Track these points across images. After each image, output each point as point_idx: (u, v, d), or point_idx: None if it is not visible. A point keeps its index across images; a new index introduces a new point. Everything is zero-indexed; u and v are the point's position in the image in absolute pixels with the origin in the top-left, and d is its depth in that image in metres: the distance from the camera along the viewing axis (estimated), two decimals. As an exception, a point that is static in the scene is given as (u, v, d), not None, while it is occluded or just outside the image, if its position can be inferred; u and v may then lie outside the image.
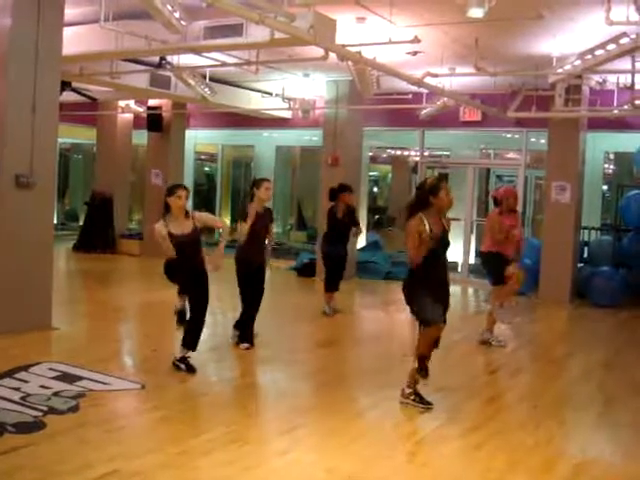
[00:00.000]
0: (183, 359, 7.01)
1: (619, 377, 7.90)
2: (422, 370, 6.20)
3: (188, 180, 18.86)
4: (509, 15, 8.08)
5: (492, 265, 8.73)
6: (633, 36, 7.85)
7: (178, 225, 6.88)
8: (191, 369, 6.98)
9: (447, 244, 6.18)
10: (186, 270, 7.01)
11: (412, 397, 6.22)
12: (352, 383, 7.35)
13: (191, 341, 7.04)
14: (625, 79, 11.23)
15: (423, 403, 6.19)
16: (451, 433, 5.79)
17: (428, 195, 5.97)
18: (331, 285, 10.48)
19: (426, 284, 6.01)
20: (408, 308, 6.28)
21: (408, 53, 10.45)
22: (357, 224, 10.57)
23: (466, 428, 5.82)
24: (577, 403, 6.93)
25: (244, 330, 8.22)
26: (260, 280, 8.33)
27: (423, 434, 5.68)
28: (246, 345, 8.12)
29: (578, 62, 9.10)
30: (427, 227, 5.88)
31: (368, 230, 16.21)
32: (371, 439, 5.51)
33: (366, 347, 9.17)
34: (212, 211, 19.92)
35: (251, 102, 15.73)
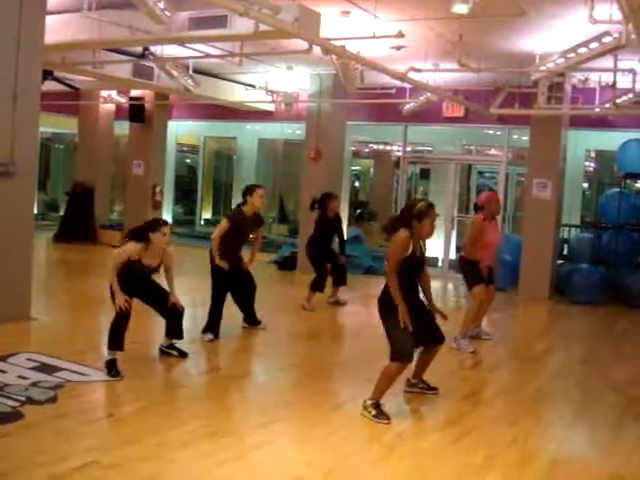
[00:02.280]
0: (110, 362, 6.60)
1: (597, 373, 7.96)
2: (382, 414, 5.81)
3: (169, 171, 18.83)
4: (493, 12, 8.11)
5: (468, 270, 8.68)
6: (616, 35, 7.90)
7: (150, 256, 6.72)
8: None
9: (421, 266, 6.05)
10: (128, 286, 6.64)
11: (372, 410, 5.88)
12: (331, 376, 7.36)
13: (112, 341, 6.66)
14: (607, 77, 11.30)
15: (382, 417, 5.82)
16: (429, 427, 5.83)
17: (412, 218, 5.77)
18: (319, 286, 10.57)
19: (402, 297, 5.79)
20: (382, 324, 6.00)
21: (392, 48, 10.47)
22: (341, 236, 10.82)
23: (444, 423, 5.86)
24: (555, 399, 6.98)
25: (211, 321, 8.19)
26: (244, 278, 8.44)
27: (401, 428, 5.69)
28: (210, 337, 8.10)
29: (561, 60, 9.15)
30: (410, 249, 5.76)
31: (349, 224, 16.23)
32: (349, 433, 5.52)
33: (346, 341, 9.20)
34: (193, 203, 19.90)
35: (234, 94, 15.69)
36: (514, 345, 9.49)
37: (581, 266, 12.60)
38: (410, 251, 5.76)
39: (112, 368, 6.50)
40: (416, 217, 5.75)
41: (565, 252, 13.71)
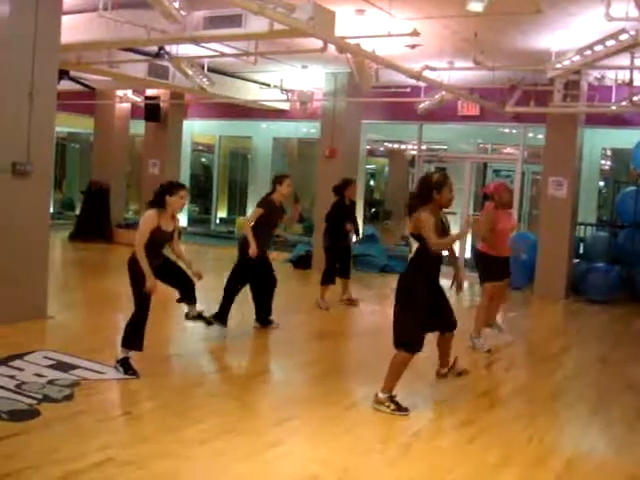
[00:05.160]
0: (123, 360, 6.55)
1: (613, 372, 7.93)
2: (397, 405, 5.93)
3: (185, 171, 18.88)
4: (508, 9, 8.07)
5: (483, 265, 8.64)
6: (632, 32, 7.87)
7: (166, 222, 6.61)
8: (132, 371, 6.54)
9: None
10: (151, 261, 6.52)
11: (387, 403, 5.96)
12: (347, 375, 7.36)
13: (130, 340, 6.56)
14: (623, 75, 11.24)
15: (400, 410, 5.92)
16: (445, 426, 5.82)
17: (432, 190, 5.88)
18: (329, 278, 10.52)
19: (423, 276, 5.89)
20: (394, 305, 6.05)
21: (407, 46, 10.43)
22: (354, 221, 10.79)
23: (460, 422, 5.84)
24: (571, 398, 6.96)
25: (222, 310, 8.29)
26: (267, 271, 8.57)
27: (417, 427, 5.69)
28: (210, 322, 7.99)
29: (577, 57, 9.11)
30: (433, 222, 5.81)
31: (365, 223, 16.21)
32: (365, 431, 5.52)
33: (361, 340, 9.19)
34: (209, 202, 19.96)
35: (249, 93, 15.72)
36: (530, 344, 9.46)
37: (597, 265, 12.54)
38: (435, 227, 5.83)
39: (128, 367, 6.49)
40: (435, 188, 5.87)
41: (581, 251, 13.63)
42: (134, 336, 6.52)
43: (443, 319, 6.15)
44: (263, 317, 8.74)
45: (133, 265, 6.50)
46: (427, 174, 6.32)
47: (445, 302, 6.18)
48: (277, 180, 8.55)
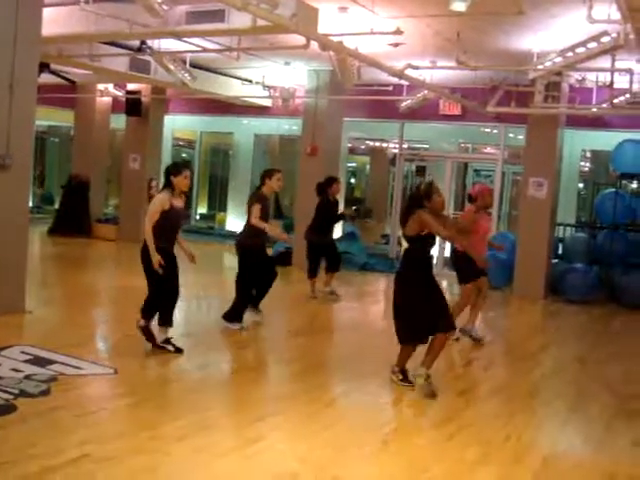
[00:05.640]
0: (167, 340, 7.16)
1: (591, 371, 7.99)
2: (407, 379, 6.45)
3: (165, 166, 18.74)
4: (491, 10, 8.10)
5: (461, 266, 8.70)
6: (614, 35, 7.92)
7: (177, 200, 7.12)
8: (178, 350, 7.15)
9: (434, 241, 6.52)
10: (168, 244, 7.07)
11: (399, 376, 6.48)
12: (326, 372, 7.36)
13: (169, 317, 7.18)
14: (604, 77, 11.33)
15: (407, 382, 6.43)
16: (424, 424, 5.83)
17: (423, 200, 6.31)
18: (314, 272, 10.88)
19: (420, 271, 6.31)
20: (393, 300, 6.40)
21: (390, 44, 10.45)
22: (341, 215, 11.35)
23: (439, 419, 5.86)
24: (549, 396, 7.00)
25: (239, 309, 8.48)
26: (269, 264, 8.93)
27: (396, 424, 5.70)
28: (240, 325, 8.41)
29: (559, 59, 9.17)
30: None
31: (345, 221, 16.19)
32: (344, 428, 5.52)
33: (340, 337, 9.20)
34: (189, 198, 19.87)
35: (231, 89, 15.67)
36: (508, 343, 9.51)
37: (576, 266, 12.62)
38: (426, 230, 6.25)
39: (173, 345, 7.08)
40: (425, 197, 6.32)
41: (560, 251, 13.71)
42: (168, 314, 7.14)
43: (437, 319, 6.31)
44: (255, 301, 8.88)
45: (145, 253, 6.96)
46: (415, 188, 6.79)
47: (442, 302, 6.43)
48: (267, 174, 8.67)
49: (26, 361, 6.47)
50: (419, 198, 6.35)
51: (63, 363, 6.50)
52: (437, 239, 6.52)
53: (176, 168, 7.16)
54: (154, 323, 7.19)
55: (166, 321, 7.17)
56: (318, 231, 10.82)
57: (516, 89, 12.30)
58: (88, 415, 5.37)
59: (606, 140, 13.24)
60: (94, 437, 4.89)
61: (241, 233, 8.73)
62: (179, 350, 7.13)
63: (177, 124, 19.15)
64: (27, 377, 6.01)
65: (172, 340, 7.19)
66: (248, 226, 8.45)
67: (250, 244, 8.48)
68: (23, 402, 5.41)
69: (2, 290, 8.14)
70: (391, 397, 6.28)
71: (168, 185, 7.06)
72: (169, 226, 7.02)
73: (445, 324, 6.36)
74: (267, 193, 8.65)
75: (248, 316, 8.64)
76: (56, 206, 19.00)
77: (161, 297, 7.13)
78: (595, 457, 5.39)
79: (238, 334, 8.36)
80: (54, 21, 9.52)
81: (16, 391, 5.64)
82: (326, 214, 10.84)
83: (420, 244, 6.34)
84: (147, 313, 7.16)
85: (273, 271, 8.91)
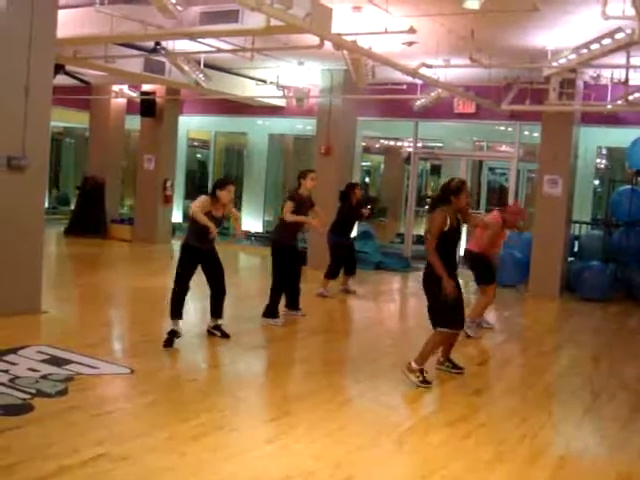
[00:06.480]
0: (216, 327, 7.91)
1: (607, 371, 7.95)
2: (425, 380, 6.56)
3: (180, 166, 18.84)
4: (505, 7, 8.08)
5: (482, 268, 8.91)
6: (628, 31, 7.85)
7: (216, 210, 7.56)
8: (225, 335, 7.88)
9: (459, 237, 6.95)
10: (198, 244, 7.60)
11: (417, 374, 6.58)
12: (341, 371, 7.36)
13: (219, 310, 7.88)
14: (619, 74, 11.26)
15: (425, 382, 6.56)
16: (439, 423, 5.82)
17: (450, 194, 6.62)
18: (334, 274, 11.15)
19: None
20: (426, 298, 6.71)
21: (404, 43, 10.44)
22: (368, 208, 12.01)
23: (454, 418, 5.84)
24: (564, 396, 6.98)
25: (274, 305, 8.92)
26: (297, 258, 9.33)
27: (410, 423, 5.70)
28: (280, 321, 8.88)
29: (573, 56, 9.10)
30: (448, 222, 6.52)
31: (360, 220, 16.20)
32: (359, 427, 5.51)
33: (355, 336, 9.21)
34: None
35: (245, 89, 15.68)
36: (524, 342, 9.47)
37: (592, 263, 12.55)
38: (448, 226, 6.52)
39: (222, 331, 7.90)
40: (453, 193, 6.64)
41: (576, 249, 13.65)
42: (220, 308, 7.87)
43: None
44: (293, 302, 9.37)
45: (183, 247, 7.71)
46: (448, 181, 6.95)
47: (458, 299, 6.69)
48: (301, 175, 9.17)
49: (43, 361, 6.52)
50: (448, 191, 6.65)
51: (80, 363, 6.55)
52: (462, 236, 7.02)
53: (222, 182, 7.72)
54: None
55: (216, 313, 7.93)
56: (338, 232, 11.11)
57: (530, 86, 12.24)
58: (104, 415, 5.41)
59: (621, 137, 13.15)
60: (110, 437, 4.92)
61: (274, 230, 9.50)
62: (226, 335, 7.88)
63: (192, 125, 19.20)
64: (44, 377, 6.06)
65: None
66: (279, 222, 9.18)
67: (279, 240, 8.97)
68: (40, 402, 5.46)
69: (18, 290, 8.21)
70: (406, 397, 6.28)
71: (212, 194, 7.56)
72: (200, 228, 7.38)
73: (460, 321, 6.82)
74: (303, 193, 9.08)
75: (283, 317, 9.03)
76: (72, 207, 19.09)
77: (173, 293, 7.61)
78: (611, 457, 5.36)
79: (252, 334, 8.39)
80: (69, 23, 9.58)
81: (33, 391, 5.68)
82: (348, 217, 11.26)
83: (442, 241, 6.54)
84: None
85: (300, 268, 9.38)
